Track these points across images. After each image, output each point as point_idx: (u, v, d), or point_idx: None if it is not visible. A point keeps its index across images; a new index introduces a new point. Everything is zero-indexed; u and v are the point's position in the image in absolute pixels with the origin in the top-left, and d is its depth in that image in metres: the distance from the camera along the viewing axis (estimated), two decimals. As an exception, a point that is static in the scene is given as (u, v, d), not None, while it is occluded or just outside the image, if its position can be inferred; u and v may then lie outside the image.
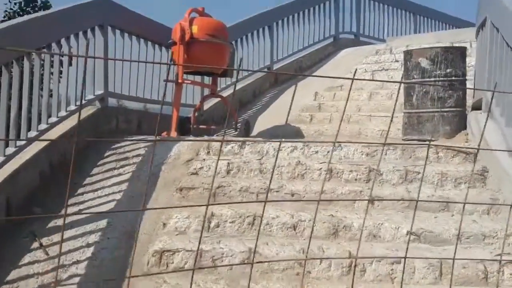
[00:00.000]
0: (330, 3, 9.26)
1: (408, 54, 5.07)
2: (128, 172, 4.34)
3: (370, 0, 10.00)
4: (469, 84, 5.19)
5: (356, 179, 3.70)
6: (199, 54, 5.51)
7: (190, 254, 3.02)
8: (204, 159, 4.14)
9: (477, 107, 4.68)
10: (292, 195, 3.53)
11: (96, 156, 4.66)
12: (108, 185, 4.18)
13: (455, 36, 7.76)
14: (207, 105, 6.71)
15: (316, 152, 4.07)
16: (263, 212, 2.46)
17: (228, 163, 3.98)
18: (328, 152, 4.05)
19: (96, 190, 4.10)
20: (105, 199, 3.97)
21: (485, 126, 1.54)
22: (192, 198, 3.66)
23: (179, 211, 3.37)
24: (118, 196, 3.99)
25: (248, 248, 3.00)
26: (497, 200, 3.31)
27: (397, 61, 7.59)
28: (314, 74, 7.89)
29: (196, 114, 6.12)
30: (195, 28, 5.53)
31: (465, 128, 4.91)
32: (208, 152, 4.32)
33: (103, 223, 3.57)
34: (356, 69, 2.48)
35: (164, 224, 3.38)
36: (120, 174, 4.33)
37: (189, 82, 5.84)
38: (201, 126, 6.16)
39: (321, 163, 3.86)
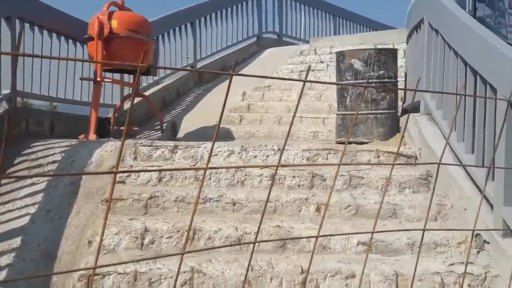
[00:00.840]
0: (253, 2, 9.09)
1: (340, 55, 4.96)
2: (43, 182, 3.84)
3: (291, 1, 9.95)
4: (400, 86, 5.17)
5: (299, 185, 3.49)
6: (119, 51, 5.09)
7: (123, 277, 2.65)
8: (131, 166, 3.75)
9: (410, 109, 4.65)
10: (234, 204, 3.25)
11: (3, 163, 4.10)
12: (20, 196, 3.66)
13: (378, 37, 7.85)
14: (127, 105, 6.27)
15: (255, 156, 3.83)
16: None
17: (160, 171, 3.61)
18: (268, 156, 3.81)
19: (6, 203, 3.58)
20: (17, 213, 3.46)
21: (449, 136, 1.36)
22: (120, 211, 3.27)
23: (106, 227, 2.97)
24: (32, 210, 3.50)
25: (190, 267, 2.68)
26: (444, 205, 3.24)
27: (322, 62, 7.56)
28: (241, 72, 7.65)
29: (116, 114, 5.68)
30: (114, 23, 5.10)
31: (398, 130, 4.89)
32: (135, 158, 3.93)
33: (16, 242, 3.09)
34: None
35: (90, 242, 2.97)
36: (33, 184, 3.81)
37: (109, 80, 5.38)
38: (122, 128, 5.73)
39: (261, 168, 3.61)
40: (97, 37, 4.93)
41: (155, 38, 6.20)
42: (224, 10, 8.33)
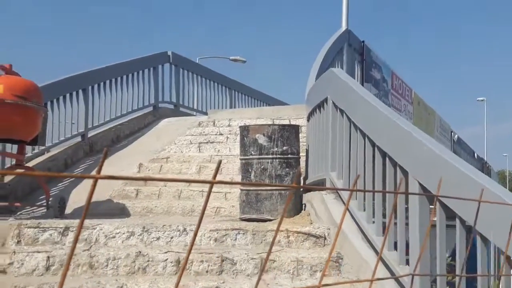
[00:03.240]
0: (150, 71, 8.93)
1: (245, 129, 4.91)
2: None
3: (188, 72, 9.94)
4: (301, 162, 5.19)
5: (207, 271, 3.23)
6: (5, 118, 4.62)
7: None
8: (14, 252, 3.26)
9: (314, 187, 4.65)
10: (136, 296, 2.89)
11: None
12: None
13: (275, 112, 7.99)
14: (7, 177, 5.66)
15: (158, 238, 3.52)
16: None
17: (48, 257, 3.18)
18: (172, 238, 3.52)
19: None
20: None
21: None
22: (-1, 308, 2.77)
23: (-19, 331, 2.48)
24: None
25: None
26: (357, 290, 3.14)
27: (221, 134, 7.48)
28: (135, 143, 7.34)
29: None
30: (0, 88, 4.66)
31: (301, 206, 4.85)
32: (19, 241, 3.45)
33: None
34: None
35: None
36: None
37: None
38: (0, 204, 5.13)
39: (165, 252, 3.31)
40: (-21, 102, 4.45)
41: (43, 104, 5.76)
42: (119, 78, 8.06)
